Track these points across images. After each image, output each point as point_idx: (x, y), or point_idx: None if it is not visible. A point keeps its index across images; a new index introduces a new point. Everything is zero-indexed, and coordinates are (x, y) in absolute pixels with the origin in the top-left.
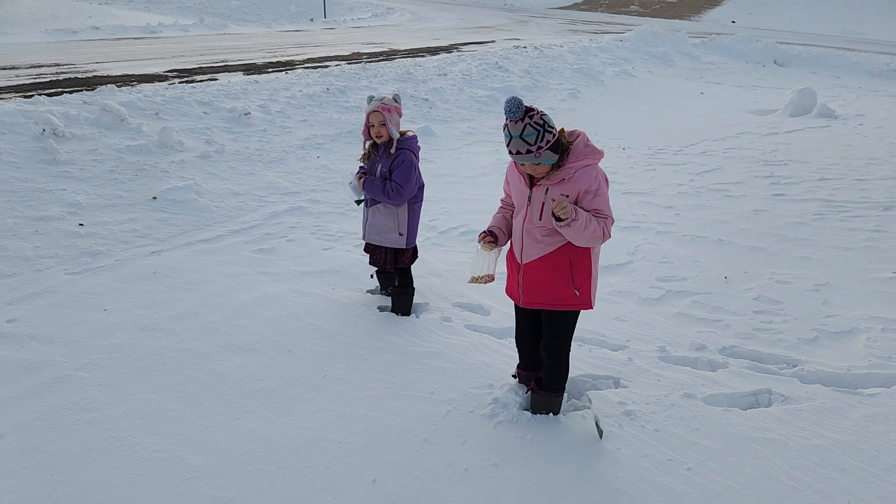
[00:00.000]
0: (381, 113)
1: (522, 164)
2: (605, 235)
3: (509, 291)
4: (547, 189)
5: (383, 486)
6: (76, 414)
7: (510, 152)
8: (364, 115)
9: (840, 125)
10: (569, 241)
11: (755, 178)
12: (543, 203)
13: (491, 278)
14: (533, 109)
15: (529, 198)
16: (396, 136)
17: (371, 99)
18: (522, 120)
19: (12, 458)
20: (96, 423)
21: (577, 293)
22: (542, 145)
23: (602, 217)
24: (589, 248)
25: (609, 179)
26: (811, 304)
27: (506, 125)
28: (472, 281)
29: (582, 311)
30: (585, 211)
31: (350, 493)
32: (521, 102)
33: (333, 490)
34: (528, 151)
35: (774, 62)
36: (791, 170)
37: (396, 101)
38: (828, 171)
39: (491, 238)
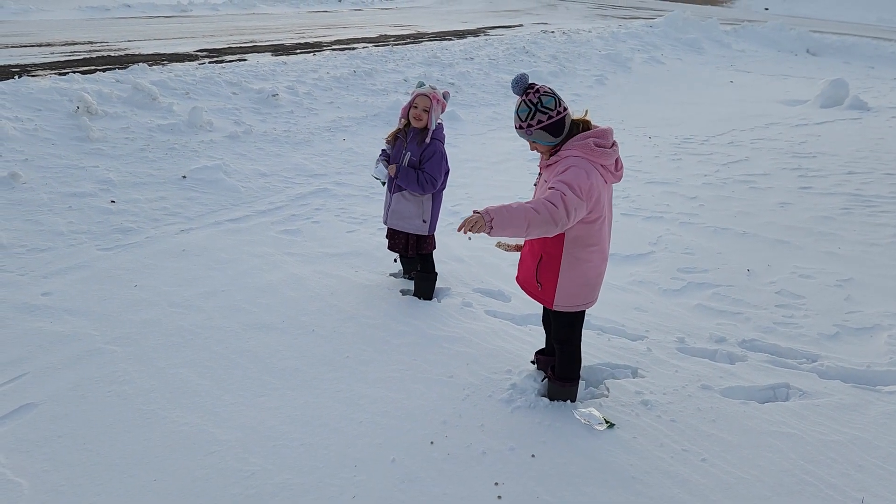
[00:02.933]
0: (430, 99)
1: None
2: (547, 214)
3: None
4: (539, 173)
5: (402, 466)
6: (107, 386)
7: (513, 126)
8: (411, 96)
9: (872, 118)
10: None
11: (782, 169)
12: (538, 187)
13: (519, 248)
14: (533, 87)
15: (536, 182)
16: (434, 126)
17: (421, 84)
18: (520, 96)
19: (47, 427)
20: (126, 396)
21: (540, 287)
22: (532, 124)
23: (550, 192)
24: (560, 250)
25: (633, 168)
26: (833, 300)
27: None
28: (498, 245)
29: (573, 310)
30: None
31: (370, 471)
32: (522, 79)
33: (354, 468)
34: (520, 127)
35: (807, 51)
36: (819, 162)
37: (445, 98)
38: (857, 165)
39: None
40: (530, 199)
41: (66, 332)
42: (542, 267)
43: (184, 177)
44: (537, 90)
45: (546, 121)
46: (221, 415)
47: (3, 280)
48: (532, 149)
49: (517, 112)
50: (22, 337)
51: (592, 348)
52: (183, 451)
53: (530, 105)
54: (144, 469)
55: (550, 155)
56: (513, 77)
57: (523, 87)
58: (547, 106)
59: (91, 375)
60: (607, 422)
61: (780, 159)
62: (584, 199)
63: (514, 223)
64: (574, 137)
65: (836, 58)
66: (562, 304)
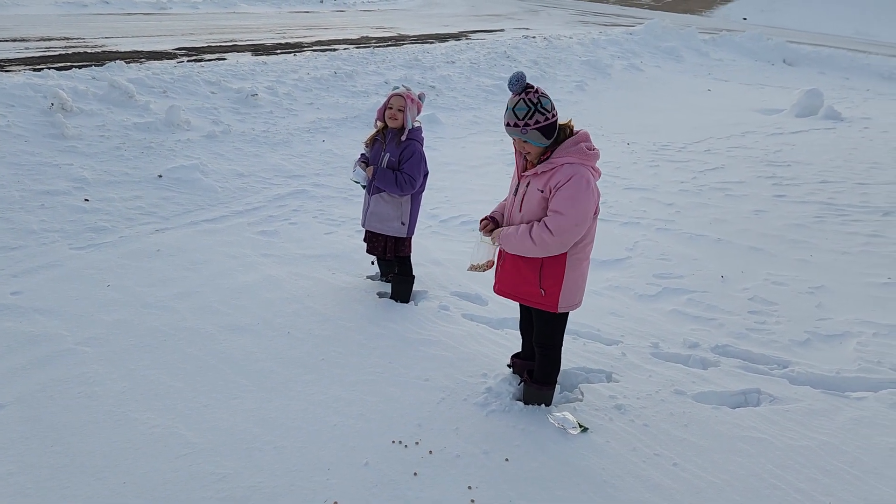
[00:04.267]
0: (404, 99)
1: (514, 140)
2: (545, 243)
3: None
4: (528, 182)
5: (375, 469)
6: (77, 387)
7: (504, 123)
8: (385, 97)
9: (846, 128)
10: None
11: (758, 178)
12: (524, 196)
13: (491, 264)
14: (533, 87)
15: (516, 189)
16: (410, 126)
17: (397, 87)
18: (519, 94)
19: (14, 428)
20: (97, 397)
21: (543, 293)
22: (529, 123)
23: (552, 216)
24: (564, 255)
25: (611, 174)
26: (805, 307)
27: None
28: (471, 269)
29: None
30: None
31: (343, 475)
32: (522, 77)
33: (327, 471)
34: (516, 125)
35: (784, 61)
36: (794, 171)
37: (421, 99)
38: (830, 174)
39: (492, 225)
40: (506, 204)
41: (35, 332)
42: (545, 274)
43: (160, 176)
44: (536, 90)
45: (543, 122)
46: (194, 417)
47: None
48: (519, 149)
49: (513, 109)
50: None
51: (568, 353)
52: (154, 454)
53: (530, 104)
54: (114, 471)
55: (538, 160)
56: (504, 78)
57: (523, 85)
58: (545, 107)
59: (61, 376)
60: (581, 426)
61: (756, 168)
62: (584, 224)
63: (521, 245)
64: (565, 143)
65: (812, 68)
66: (565, 305)
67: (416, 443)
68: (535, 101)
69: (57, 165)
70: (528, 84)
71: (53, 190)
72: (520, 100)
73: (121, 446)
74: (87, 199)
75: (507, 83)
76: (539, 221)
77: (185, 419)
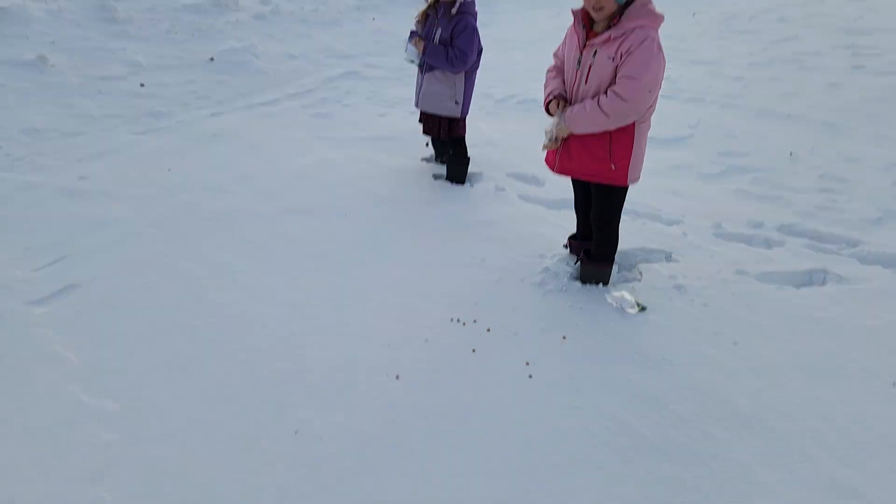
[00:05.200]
0: None
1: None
2: (619, 112)
3: (547, 158)
4: (595, 51)
5: (435, 345)
6: (148, 267)
7: None
8: None
9: None
10: None
11: (834, 48)
12: (591, 66)
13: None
14: None
15: (579, 61)
16: None
17: None
18: None
19: (89, 310)
20: (167, 276)
21: (614, 167)
22: None
23: (623, 81)
24: (633, 125)
25: (675, 48)
26: (880, 184)
27: None
28: (546, 147)
29: (632, 185)
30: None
31: (404, 351)
32: None
33: (387, 345)
34: None
35: None
36: (875, 39)
37: None
38: None
39: (565, 103)
40: (565, 79)
41: (104, 215)
42: (614, 147)
43: (211, 59)
44: None
45: None
46: (261, 295)
47: (40, 164)
48: (593, 5)
49: None
50: (61, 220)
51: (626, 232)
52: (232, 329)
53: None
54: (191, 345)
55: (605, 26)
56: None
57: None
58: None
59: (131, 258)
60: (639, 304)
61: (833, 37)
62: (656, 89)
63: (587, 120)
64: (634, 6)
65: None
66: (632, 178)
67: (474, 321)
68: None
69: (111, 51)
70: None
71: (110, 75)
72: None
73: (200, 323)
74: (142, 84)
75: None
76: (606, 92)
77: (254, 296)
